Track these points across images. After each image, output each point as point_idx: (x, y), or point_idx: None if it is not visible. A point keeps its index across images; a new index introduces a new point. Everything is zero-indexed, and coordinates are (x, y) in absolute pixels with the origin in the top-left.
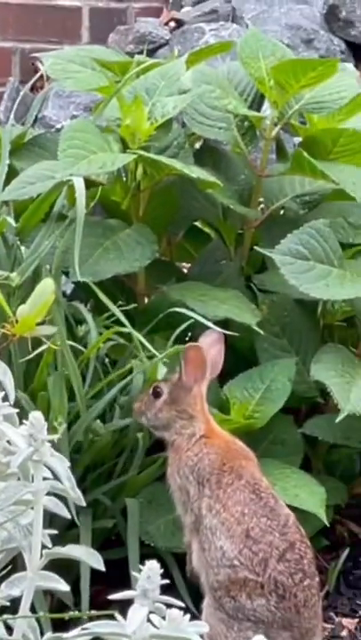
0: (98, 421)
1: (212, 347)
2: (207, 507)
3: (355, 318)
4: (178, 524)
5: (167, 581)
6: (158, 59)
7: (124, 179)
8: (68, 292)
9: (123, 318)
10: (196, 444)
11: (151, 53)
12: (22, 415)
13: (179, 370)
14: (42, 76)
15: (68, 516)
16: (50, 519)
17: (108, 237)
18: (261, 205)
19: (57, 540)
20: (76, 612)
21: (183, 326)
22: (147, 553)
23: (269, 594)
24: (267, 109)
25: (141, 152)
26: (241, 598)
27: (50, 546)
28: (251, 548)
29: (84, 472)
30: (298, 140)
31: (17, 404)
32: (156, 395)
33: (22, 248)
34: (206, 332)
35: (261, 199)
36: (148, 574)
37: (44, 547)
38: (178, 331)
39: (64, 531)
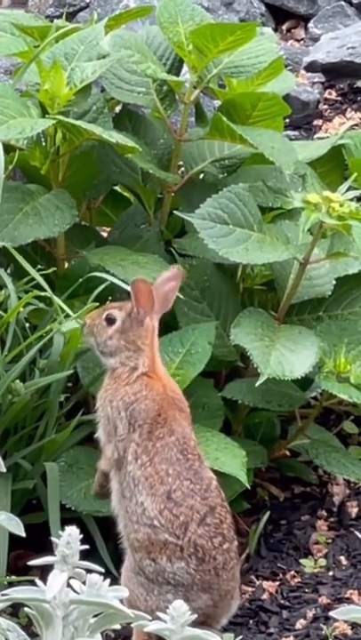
0: (17, 381)
1: (167, 282)
2: (133, 453)
3: (274, 282)
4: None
5: (87, 547)
6: (78, 22)
7: (44, 143)
8: None
9: (43, 283)
10: (136, 381)
11: (71, 17)
12: None
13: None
14: None
15: None
16: None
17: (28, 202)
18: (181, 170)
19: None
20: None
21: (100, 288)
22: (68, 517)
23: (189, 557)
24: (186, 74)
25: (60, 117)
26: (161, 561)
27: None
28: (172, 510)
29: (4, 435)
30: (218, 103)
31: None
32: (109, 321)
33: None
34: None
35: (181, 163)
36: (68, 540)
37: None
38: (95, 292)
39: None
